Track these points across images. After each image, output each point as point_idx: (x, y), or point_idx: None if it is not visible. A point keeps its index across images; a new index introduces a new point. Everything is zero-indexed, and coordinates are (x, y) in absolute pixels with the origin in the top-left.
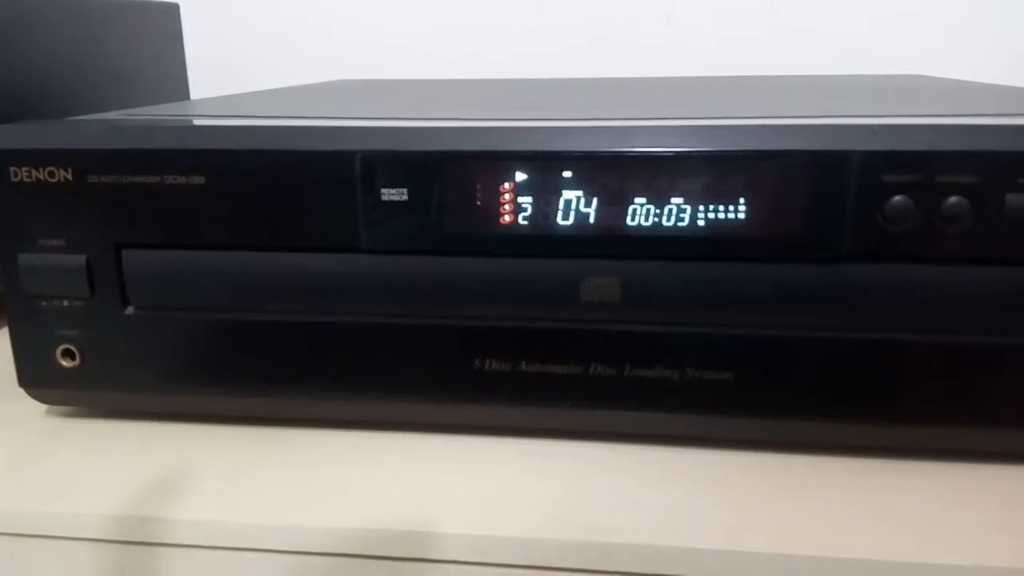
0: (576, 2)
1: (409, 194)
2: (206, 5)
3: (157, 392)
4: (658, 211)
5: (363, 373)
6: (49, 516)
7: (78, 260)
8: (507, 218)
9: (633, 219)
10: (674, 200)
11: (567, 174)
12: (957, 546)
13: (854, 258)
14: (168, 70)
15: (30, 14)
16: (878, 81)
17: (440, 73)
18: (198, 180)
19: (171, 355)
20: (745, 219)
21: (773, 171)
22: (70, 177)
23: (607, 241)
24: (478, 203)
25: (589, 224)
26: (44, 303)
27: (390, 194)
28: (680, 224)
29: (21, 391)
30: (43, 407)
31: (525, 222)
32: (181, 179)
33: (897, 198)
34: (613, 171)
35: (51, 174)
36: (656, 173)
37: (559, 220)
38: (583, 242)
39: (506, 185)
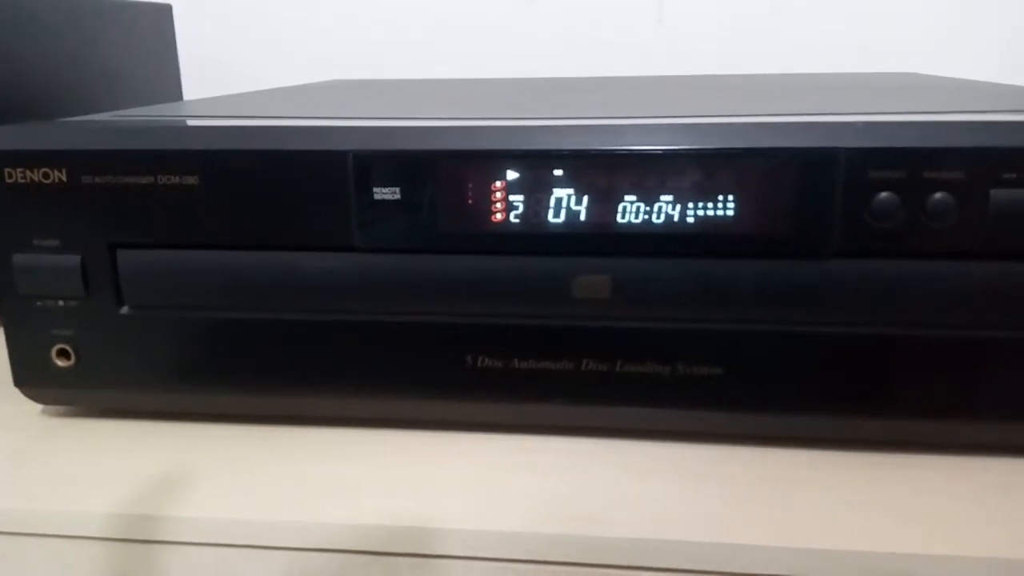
0: (567, 1)
1: (402, 193)
2: (199, 5)
3: (152, 391)
4: (648, 209)
5: (357, 371)
6: (45, 514)
7: (73, 260)
8: (499, 216)
9: (623, 217)
10: (664, 198)
11: (558, 172)
12: (943, 537)
13: (842, 254)
14: (161, 70)
15: (23, 15)
16: (870, 79)
17: (431, 73)
18: (192, 180)
19: (166, 354)
20: (734, 216)
21: (761, 168)
22: (64, 178)
23: (598, 238)
24: (470, 201)
25: (580, 222)
26: (39, 303)
27: (383, 193)
28: (670, 221)
29: (16, 391)
30: (38, 407)
31: (516, 220)
32: (175, 179)
33: (883, 195)
34: (603, 169)
35: (45, 175)
36: (646, 171)
37: (550, 218)
38: (574, 240)
39: (497, 183)
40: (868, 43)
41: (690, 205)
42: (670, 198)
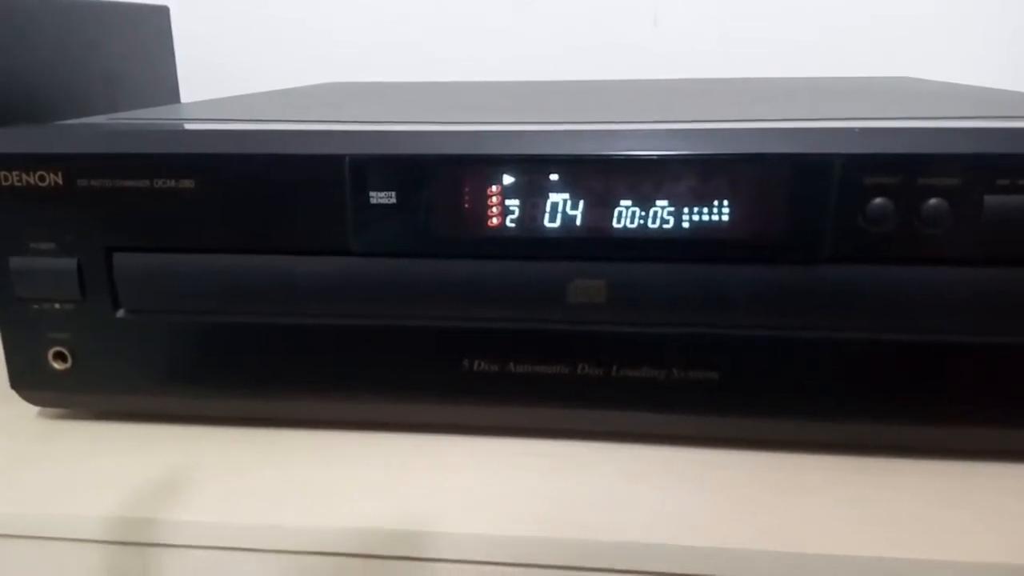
0: (563, 4)
1: (398, 197)
2: (197, 7)
3: (148, 394)
4: (643, 214)
5: (353, 375)
6: (41, 517)
7: (69, 263)
8: (495, 221)
9: (619, 221)
10: (659, 203)
11: (554, 177)
12: (937, 542)
13: (836, 259)
14: (158, 72)
15: (19, 17)
16: (865, 83)
17: (428, 75)
18: (188, 184)
19: (162, 358)
20: (729, 221)
21: (756, 174)
22: (60, 181)
23: (593, 243)
24: (466, 206)
25: (575, 226)
26: (35, 306)
27: (379, 197)
28: (665, 226)
29: (13, 393)
30: (35, 409)
31: (512, 225)
32: (171, 183)
33: (878, 200)
34: (599, 174)
35: (41, 178)
36: (641, 176)
37: (546, 223)
38: (570, 244)
39: (494, 188)
40: (864, 47)
41: (685, 210)
42: (665, 203)
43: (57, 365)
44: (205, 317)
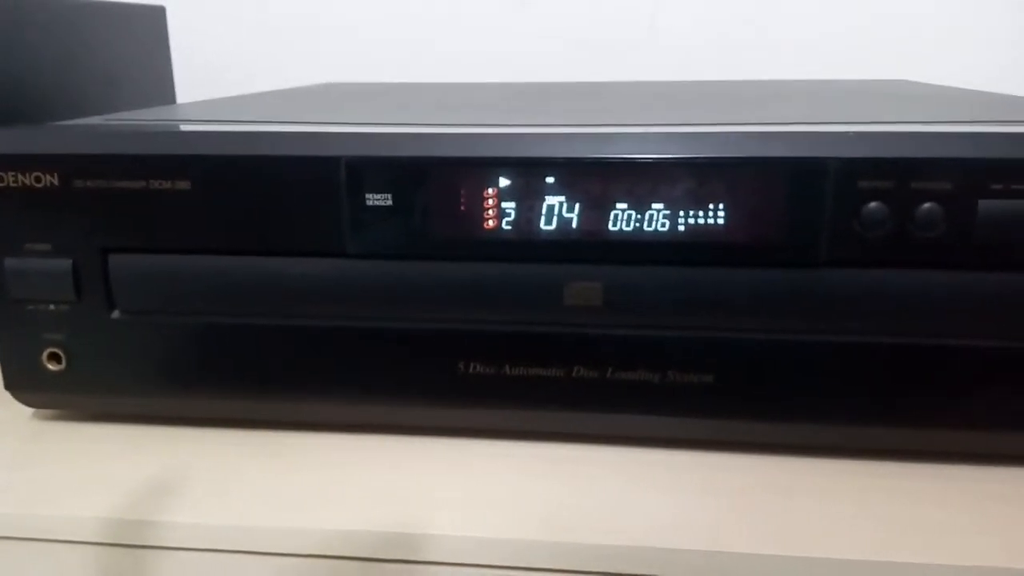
0: (560, 7)
1: (394, 199)
2: (193, 6)
3: (143, 396)
4: (639, 216)
5: (349, 377)
6: (36, 519)
7: (64, 264)
8: (491, 223)
9: (615, 224)
10: (655, 206)
11: (550, 180)
12: (936, 546)
13: (831, 263)
14: (154, 72)
15: (14, 17)
16: (861, 86)
17: (424, 75)
18: (184, 185)
19: (157, 359)
20: (724, 225)
21: (751, 177)
22: (56, 182)
23: (589, 246)
24: (462, 208)
25: (572, 229)
26: (30, 307)
27: (375, 199)
28: (661, 229)
29: (7, 395)
30: (29, 410)
31: (509, 227)
32: (167, 184)
33: (872, 204)
34: (595, 177)
35: (37, 179)
36: (637, 179)
37: (542, 225)
38: (566, 247)
39: (490, 191)
40: (861, 49)
41: (681, 213)
42: (661, 206)
43: (52, 366)
44: (200, 318)
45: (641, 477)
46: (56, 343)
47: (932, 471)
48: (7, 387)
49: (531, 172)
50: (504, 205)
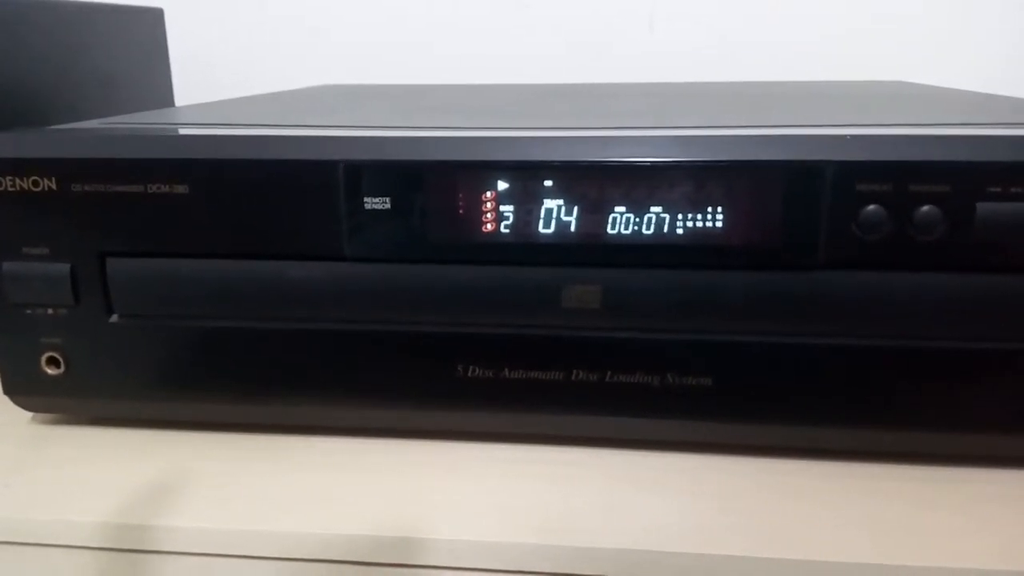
0: (560, 8)
1: (392, 203)
2: (192, 7)
3: (142, 400)
4: (638, 220)
5: (347, 380)
6: (35, 523)
7: (62, 268)
8: (489, 226)
9: (613, 227)
10: (653, 209)
11: (548, 183)
12: (933, 548)
13: (829, 266)
14: (152, 74)
15: (12, 19)
16: (859, 88)
17: (424, 76)
18: (182, 189)
19: (155, 363)
20: (723, 228)
21: (750, 181)
22: (54, 186)
23: (588, 249)
24: (461, 212)
25: (570, 232)
26: (29, 311)
27: (373, 203)
28: (659, 232)
29: (6, 399)
30: (28, 414)
31: (507, 230)
32: (165, 188)
33: (871, 207)
34: (593, 180)
35: (35, 183)
36: (635, 182)
37: (540, 228)
38: (564, 250)
39: (488, 194)
40: (861, 49)
41: (679, 216)
42: (659, 209)
43: (50, 370)
44: (198, 322)
45: (641, 480)
46: (54, 347)
47: (929, 473)
48: (5, 391)
49: (529, 175)
50: (502, 208)
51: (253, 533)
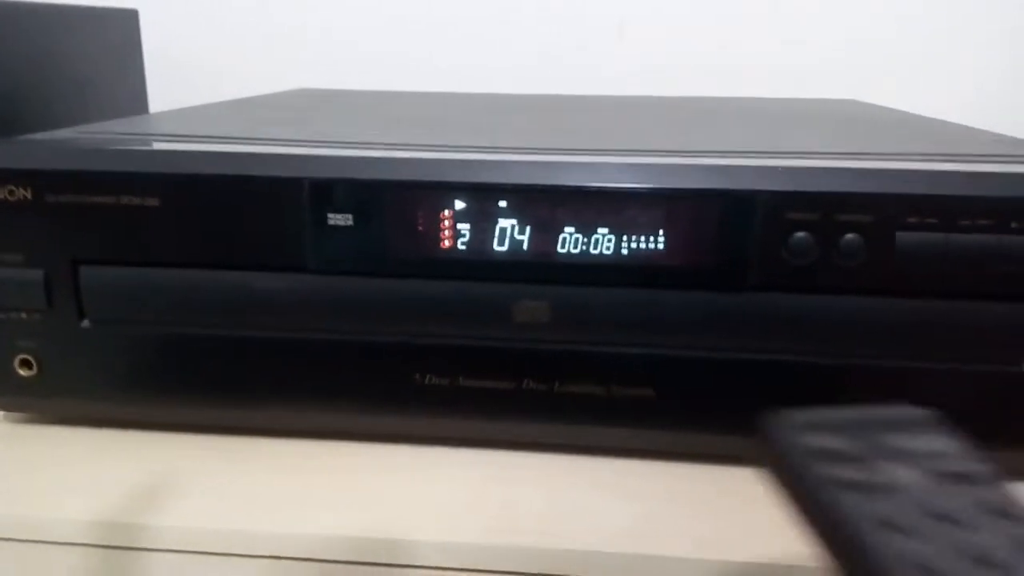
0: (530, 16)
1: (354, 219)
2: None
3: (111, 401)
4: (586, 240)
5: (310, 386)
6: (5, 519)
7: (36, 275)
8: (446, 243)
9: (563, 247)
10: (600, 230)
11: (503, 204)
12: None
13: (761, 287)
14: (127, 77)
15: None
16: (811, 106)
17: (397, 82)
18: (153, 202)
19: (124, 367)
20: (664, 250)
21: (689, 207)
22: (29, 196)
23: (539, 267)
24: (419, 229)
25: (522, 251)
26: (2, 315)
27: (336, 219)
28: (606, 253)
29: None
30: (0, 413)
31: (463, 247)
32: (137, 200)
33: (799, 234)
34: (545, 203)
35: (11, 192)
36: (584, 206)
37: (495, 246)
38: (516, 267)
39: (446, 212)
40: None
41: (624, 238)
42: (606, 231)
43: (23, 372)
44: (167, 328)
45: (586, 484)
46: (27, 350)
47: None
48: None
49: (485, 196)
50: (459, 226)
51: (223, 532)
